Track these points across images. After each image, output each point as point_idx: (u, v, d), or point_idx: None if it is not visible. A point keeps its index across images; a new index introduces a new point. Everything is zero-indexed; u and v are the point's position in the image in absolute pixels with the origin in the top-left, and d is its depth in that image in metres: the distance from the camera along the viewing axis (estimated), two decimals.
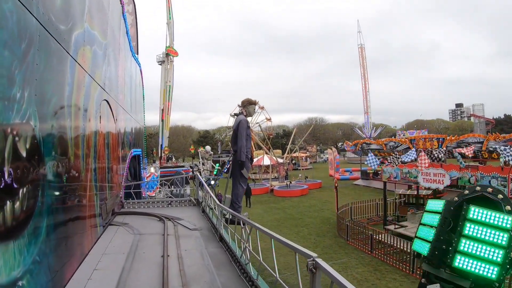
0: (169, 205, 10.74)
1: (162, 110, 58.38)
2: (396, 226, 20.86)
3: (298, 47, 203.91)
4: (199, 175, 9.87)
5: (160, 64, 61.37)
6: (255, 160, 58.24)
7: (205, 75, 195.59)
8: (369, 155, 26.59)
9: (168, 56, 60.19)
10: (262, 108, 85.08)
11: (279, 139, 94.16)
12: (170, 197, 17.62)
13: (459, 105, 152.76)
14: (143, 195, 19.24)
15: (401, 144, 42.77)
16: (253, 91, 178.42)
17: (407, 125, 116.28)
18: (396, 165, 23.75)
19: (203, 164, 15.40)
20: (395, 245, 16.49)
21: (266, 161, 54.42)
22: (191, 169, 15.53)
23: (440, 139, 38.71)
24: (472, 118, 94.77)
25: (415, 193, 24.63)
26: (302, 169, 55.95)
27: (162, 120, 58.28)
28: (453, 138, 38.64)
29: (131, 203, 10.60)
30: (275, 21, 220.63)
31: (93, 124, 6.82)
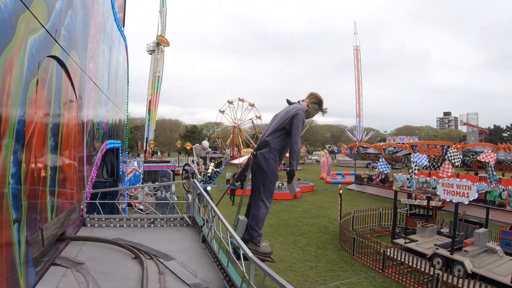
0: (152, 224, 7.33)
1: (150, 101, 55.10)
2: (406, 241, 18.50)
3: (289, 47, 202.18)
4: (197, 183, 6.49)
5: (150, 54, 58.22)
6: (242, 159, 55.48)
7: (193, 70, 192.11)
8: (380, 160, 24.21)
9: (159, 45, 57.17)
10: (252, 105, 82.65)
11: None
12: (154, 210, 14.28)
13: (447, 114, 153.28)
14: (122, 194, 15.80)
15: (401, 150, 40.43)
16: (242, 88, 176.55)
17: (396, 131, 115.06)
18: (413, 173, 21.03)
19: (197, 164, 12.60)
20: (410, 263, 14.58)
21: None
22: (186, 172, 12.46)
23: (445, 147, 36.49)
24: (465, 127, 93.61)
25: (424, 204, 21.85)
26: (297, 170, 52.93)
27: (149, 112, 54.97)
28: (458, 146, 36.47)
29: (96, 219, 7.14)
30: (266, 19, 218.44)
31: (16, 93, 3.40)
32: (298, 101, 6.19)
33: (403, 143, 44.09)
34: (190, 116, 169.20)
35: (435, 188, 18.27)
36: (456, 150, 33.08)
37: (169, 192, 14.01)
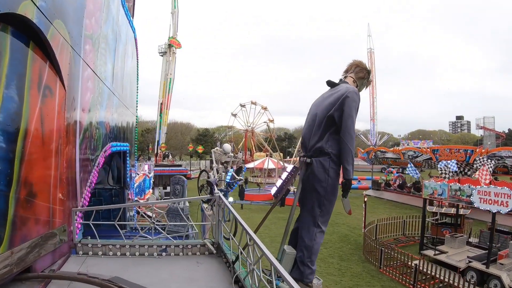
0: (164, 252, 5.67)
1: (161, 104, 53.85)
2: (436, 252, 17.18)
3: (298, 50, 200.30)
4: (225, 200, 4.82)
5: (162, 55, 57.10)
6: (257, 162, 53.90)
7: (203, 73, 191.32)
8: (409, 165, 22.63)
9: (170, 47, 56.03)
10: (265, 108, 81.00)
11: (279, 142, 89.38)
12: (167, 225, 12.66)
13: (459, 117, 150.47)
14: (130, 198, 14.21)
15: (422, 154, 38.80)
16: (253, 92, 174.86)
17: (410, 135, 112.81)
18: (447, 178, 19.57)
19: (217, 170, 11.08)
20: (442, 278, 13.49)
21: (270, 164, 49.52)
22: (208, 185, 10.86)
23: (468, 151, 34.80)
24: (479, 131, 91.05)
25: (452, 212, 20.46)
26: None
27: (161, 115, 53.67)
28: (483, 150, 34.80)
29: (90, 245, 5.47)
30: (276, 23, 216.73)
31: None
32: (341, 80, 4.71)
33: (424, 148, 42.28)
34: (200, 120, 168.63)
35: (469, 196, 16.81)
36: (480, 156, 31.33)
37: (182, 202, 12.37)
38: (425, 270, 14.36)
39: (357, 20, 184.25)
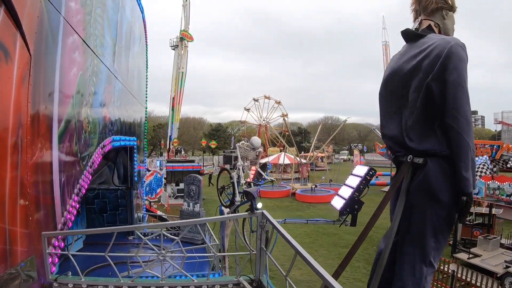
0: None
1: (173, 98, 52.36)
2: (470, 256, 15.56)
3: (309, 45, 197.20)
4: (272, 220, 3.01)
5: (173, 49, 55.53)
6: (271, 158, 52.21)
7: (214, 68, 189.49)
8: (477, 158, 20.82)
9: (182, 40, 54.28)
10: (279, 102, 79.07)
11: (293, 136, 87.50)
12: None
13: (473, 112, 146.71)
14: (140, 198, 12.66)
15: None
16: (264, 87, 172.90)
17: None
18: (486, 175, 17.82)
19: (242, 170, 9.48)
20: (479, 284, 12.28)
21: (285, 159, 47.69)
22: (247, 195, 9.35)
23: (495, 146, 32.80)
24: (495, 126, 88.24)
25: (485, 212, 18.79)
26: (326, 170, 49.54)
27: (173, 109, 52.22)
28: (510, 146, 32.85)
29: (71, 285, 3.81)
30: (286, 17, 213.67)
31: None
32: (416, 29, 2.89)
33: None
34: (213, 116, 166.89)
35: (510, 195, 15.10)
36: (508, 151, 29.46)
37: (198, 205, 10.72)
38: (460, 275, 13.06)
39: (365, 13, 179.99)
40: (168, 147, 50.17)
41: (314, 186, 34.70)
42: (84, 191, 4.97)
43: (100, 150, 5.82)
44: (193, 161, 39.23)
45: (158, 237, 11.78)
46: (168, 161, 36.24)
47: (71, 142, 4.38)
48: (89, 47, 5.16)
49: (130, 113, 9.81)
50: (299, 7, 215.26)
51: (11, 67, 2.93)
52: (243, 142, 9.57)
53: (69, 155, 4.34)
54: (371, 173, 3.39)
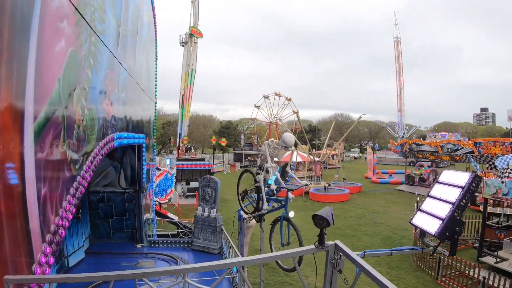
0: None
1: (183, 95, 51.46)
2: (497, 260, 14.48)
3: (317, 43, 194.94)
4: (350, 252, 1.81)
5: (183, 46, 54.63)
6: (284, 155, 51.09)
7: (223, 66, 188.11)
8: (470, 159, 19.53)
9: (191, 37, 53.34)
10: (289, 100, 77.61)
11: (304, 134, 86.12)
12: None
13: (484, 109, 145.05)
14: (149, 198, 11.58)
15: (462, 147, 35.45)
16: (273, 85, 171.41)
17: (435, 127, 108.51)
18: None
19: (266, 171, 8.37)
20: None
21: (297, 157, 46.42)
22: (255, 194, 8.31)
23: None
24: (506, 123, 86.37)
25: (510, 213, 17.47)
26: (340, 168, 48.29)
27: (182, 107, 51.31)
28: None
29: None
30: (294, 15, 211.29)
31: None
32: None
33: (466, 141, 38.85)
34: (222, 113, 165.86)
35: None
36: None
37: (214, 210, 9.61)
38: (491, 283, 12.17)
39: (376, 10, 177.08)
40: (177, 145, 49.28)
41: (327, 184, 33.56)
42: (76, 202, 3.84)
43: (100, 148, 4.68)
44: (203, 159, 38.17)
45: (170, 245, 10.87)
46: (178, 159, 35.22)
47: (57, 140, 3.24)
48: (84, 19, 4.02)
49: (138, 107, 8.71)
50: (307, 5, 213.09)
51: None
52: (272, 139, 8.39)
53: (53, 157, 3.20)
54: (475, 183, 2.21)
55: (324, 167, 47.16)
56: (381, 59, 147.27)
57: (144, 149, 9.38)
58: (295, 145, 52.14)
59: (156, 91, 12.20)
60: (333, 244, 2.73)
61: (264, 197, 7.57)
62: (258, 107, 78.79)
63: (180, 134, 49.98)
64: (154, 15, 11.67)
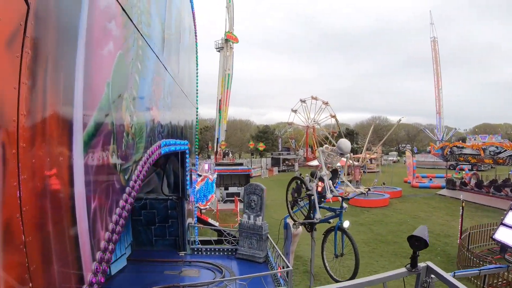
0: None
1: (220, 100, 51.79)
2: None
3: (351, 45, 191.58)
4: (444, 274, 1.45)
5: (219, 51, 55.12)
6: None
7: (257, 70, 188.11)
8: None
9: (227, 42, 53.84)
10: (326, 103, 76.88)
11: (341, 137, 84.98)
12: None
13: None
14: (191, 204, 11.41)
15: (506, 150, 33.77)
16: (308, 89, 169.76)
17: (475, 129, 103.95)
18: None
19: (319, 179, 7.93)
20: None
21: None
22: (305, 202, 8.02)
23: None
24: None
25: None
26: (379, 173, 47.03)
27: (220, 111, 51.62)
28: None
29: None
30: (327, 17, 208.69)
31: None
32: None
33: (506, 142, 36.97)
34: (258, 117, 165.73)
35: None
36: None
37: (260, 218, 9.31)
38: None
39: (410, 10, 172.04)
40: (215, 149, 49.53)
41: (367, 190, 32.61)
42: (125, 214, 3.60)
43: (147, 157, 4.46)
44: (241, 164, 38.05)
45: (213, 253, 10.65)
46: (216, 164, 35.25)
47: (106, 150, 3.01)
48: (131, 21, 3.80)
49: (181, 113, 8.54)
50: (341, 7, 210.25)
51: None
52: (326, 146, 8.02)
53: (103, 169, 2.97)
54: None
55: (363, 172, 46.11)
56: (417, 59, 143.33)
57: (187, 156, 9.20)
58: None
59: (197, 97, 12.05)
60: (425, 266, 2.34)
61: (317, 205, 7.28)
62: (295, 111, 78.52)
63: (217, 139, 50.26)
64: (194, 20, 11.54)
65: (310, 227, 7.77)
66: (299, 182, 8.09)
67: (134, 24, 3.93)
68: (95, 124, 2.77)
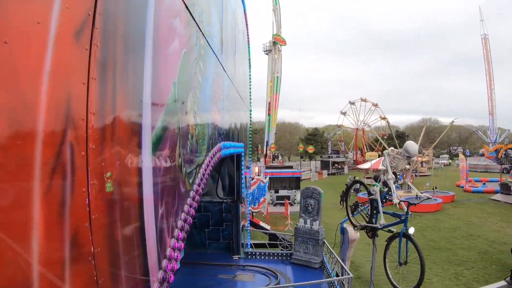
0: None
1: (269, 103, 51.71)
2: None
3: (396, 45, 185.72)
4: None
5: (267, 54, 55.11)
6: (371, 163, 48.85)
7: (304, 72, 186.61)
8: None
9: (275, 44, 53.71)
10: (376, 105, 74.86)
11: (391, 140, 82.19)
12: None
13: None
14: (246, 207, 11.24)
15: None
16: (356, 90, 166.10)
17: None
18: None
19: (384, 183, 7.62)
20: None
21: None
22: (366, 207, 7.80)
23: None
24: None
25: None
26: (431, 176, 45.11)
27: (269, 115, 51.55)
28: None
29: None
30: (373, 19, 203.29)
31: None
32: None
33: None
34: (306, 120, 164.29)
35: None
36: None
37: (317, 222, 8.99)
38: None
39: (458, 7, 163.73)
40: (265, 152, 49.45)
41: (420, 194, 31.18)
42: (196, 207, 3.43)
43: (210, 159, 4.28)
44: (291, 167, 37.66)
45: (266, 257, 10.41)
46: (266, 167, 35.12)
47: (173, 153, 2.82)
48: (194, 19, 3.62)
49: (237, 115, 8.38)
50: (386, 7, 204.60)
51: (46, 7, 1.39)
52: (392, 148, 7.63)
53: (170, 173, 2.78)
54: None
55: (414, 175, 44.31)
56: (466, 58, 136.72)
57: (243, 159, 9.04)
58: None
59: (250, 99, 11.89)
60: None
61: (381, 210, 7.00)
62: (344, 113, 77.07)
63: (267, 142, 50.14)
64: (246, 21, 11.39)
65: (372, 232, 7.52)
66: (359, 185, 7.83)
67: (196, 22, 3.75)
68: (162, 126, 2.59)
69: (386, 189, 7.58)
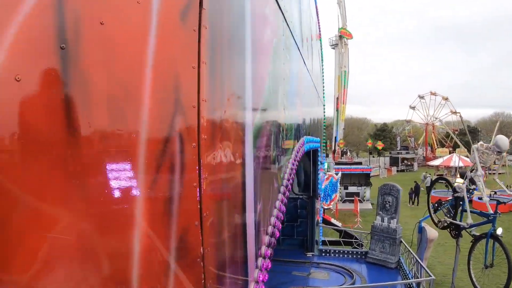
0: None
1: (337, 98, 50.43)
2: None
3: (467, 36, 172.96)
4: None
5: (333, 48, 53.69)
6: (442, 160, 45.99)
7: (372, 67, 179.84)
8: None
9: (341, 38, 52.10)
10: (446, 99, 70.20)
11: (462, 136, 76.79)
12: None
13: None
14: (319, 203, 10.95)
15: None
16: (425, 83, 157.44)
17: None
18: None
19: (470, 181, 7.12)
20: None
21: (457, 161, 40.81)
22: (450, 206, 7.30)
23: None
24: None
25: None
26: (506, 174, 41.50)
27: (337, 110, 50.28)
28: None
29: None
30: (443, 9, 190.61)
31: None
32: None
33: None
34: (374, 115, 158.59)
35: None
36: None
37: (394, 221, 8.48)
38: None
39: None
40: (333, 148, 48.40)
41: (493, 193, 28.72)
42: (286, 203, 3.26)
43: (296, 154, 4.08)
44: (360, 163, 36.52)
45: (340, 255, 10.05)
46: (336, 163, 34.31)
47: (268, 147, 2.66)
48: (280, 9, 3.43)
49: (313, 110, 8.11)
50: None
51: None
52: (481, 143, 7.02)
53: (267, 168, 2.62)
54: None
55: (488, 173, 40.72)
56: None
57: (319, 154, 8.76)
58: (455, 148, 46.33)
59: (324, 93, 11.53)
60: None
61: (468, 209, 6.45)
62: (413, 108, 73.12)
63: (335, 138, 48.98)
64: (317, 14, 11.03)
65: (456, 232, 7.14)
66: (444, 182, 7.27)
67: (282, 11, 3.55)
68: (261, 119, 2.42)
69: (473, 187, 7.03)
